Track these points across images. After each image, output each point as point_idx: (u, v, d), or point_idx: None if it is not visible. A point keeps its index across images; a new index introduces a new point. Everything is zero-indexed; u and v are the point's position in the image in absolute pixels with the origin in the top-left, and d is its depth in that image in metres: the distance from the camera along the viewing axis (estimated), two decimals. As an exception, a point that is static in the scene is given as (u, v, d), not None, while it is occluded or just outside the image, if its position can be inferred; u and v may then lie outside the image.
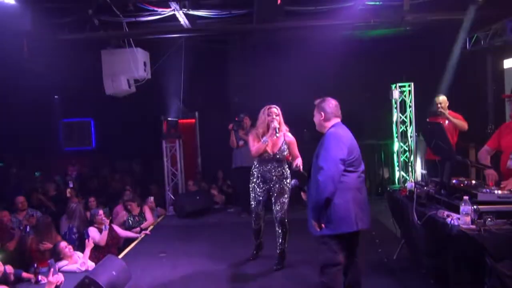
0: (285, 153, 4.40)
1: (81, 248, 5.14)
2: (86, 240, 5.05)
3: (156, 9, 6.28)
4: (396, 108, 7.71)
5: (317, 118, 3.32)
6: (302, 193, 3.52)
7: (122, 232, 5.92)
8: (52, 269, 3.96)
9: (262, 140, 4.32)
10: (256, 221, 4.69)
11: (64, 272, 4.42)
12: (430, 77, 7.64)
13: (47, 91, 9.58)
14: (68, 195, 7.52)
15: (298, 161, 4.14)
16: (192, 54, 8.07)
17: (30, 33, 6.02)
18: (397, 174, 7.94)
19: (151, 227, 6.65)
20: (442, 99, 5.72)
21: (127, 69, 7.00)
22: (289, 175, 4.49)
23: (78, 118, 11.44)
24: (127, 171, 10.21)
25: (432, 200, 3.70)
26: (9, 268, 4.32)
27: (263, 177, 4.47)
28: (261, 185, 4.51)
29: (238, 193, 7.53)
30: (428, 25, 6.83)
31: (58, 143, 11.44)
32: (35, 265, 4.55)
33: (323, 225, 3.07)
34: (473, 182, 3.64)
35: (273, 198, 4.49)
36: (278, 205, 4.45)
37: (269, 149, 4.36)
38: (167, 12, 6.24)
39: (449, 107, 5.74)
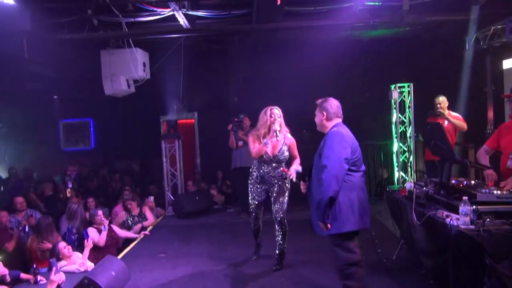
0: (286, 154, 4.39)
1: (80, 249, 5.13)
2: (85, 241, 5.04)
3: (155, 9, 6.28)
4: (395, 108, 7.71)
5: (319, 118, 3.32)
6: (301, 183, 3.49)
7: (121, 233, 5.91)
8: (54, 268, 3.97)
9: (263, 142, 4.30)
10: (255, 221, 4.69)
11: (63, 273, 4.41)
12: (429, 77, 7.66)
13: (46, 91, 9.56)
14: (68, 195, 7.52)
15: (292, 170, 4.12)
16: (191, 54, 8.07)
17: (29, 33, 6.01)
18: (396, 175, 7.93)
19: (151, 227, 6.65)
20: (441, 99, 5.72)
21: (126, 69, 7.00)
22: (288, 176, 4.48)
23: (77, 118, 11.43)
24: (127, 171, 10.21)
25: (431, 200, 3.70)
26: (3, 270, 4.26)
27: (262, 177, 4.46)
28: (260, 186, 4.50)
29: (237, 193, 7.53)
30: (427, 25, 6.84)
31: (58, 143, 11.43)
32: (34, 265, 4.55)
33: (329, 225, 3.04)
34: (472, 182, 3.64)
35: (272, 198, 4.49)
36: (277, 205, 4.44)
37: (269, 151, 4.35)
38: (166, 12, 6.24)
39: (449, 107, 5.75)
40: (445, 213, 3.19)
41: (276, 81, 8.35)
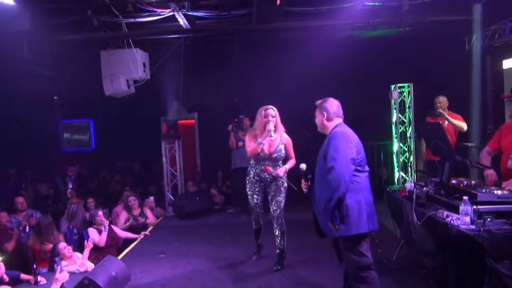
0: (282, 153, 4.44)
1: (80, 249, 5.13)
2: (85, 241, 5.04)
3: (155, 9, 6.27)
4: (395, 108, 7.70)
5: (319, 119, 3.27)
6: (303, 181, 3.39)
7: (122, 233, 5.91)
8: (59, 267, 3.99)
9: (257, 142, 4.37)
10: (256, 220, 4.71)
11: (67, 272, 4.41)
12: (429, 77, 7.65)
13: (46, 91, 9.56)
14: (68, 195, 7.52)
15: (279, 170, 4.33)
16: (191, 54, 8.07)
17: (29, 34, 6.02)
18: (396, 175, 7.93)
19: (151, 227, 6.65)
20: (441, 99, 5.72)
21: (126, 69, 7.00)
22: (284, 176, 4.51)
23: (77, 119, 11.44)
24: (127, 171, 10.21)
25: (432, 200, 3.69)
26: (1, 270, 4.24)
27: (259, 176, 4.52)
28: (257, 184, 4.55)
29: (237, 193, 7.52)
30: (427, 25, 6.83)
31: (58, 144, 11.43)
32: (35, 266, 4.55)
33: (337, 226, 2.98)
34: (473, 182, 3.64)
35: (269, 197, 4.53)
36: (274, 204, 4.48)
37: (265, 149, 4.41)
38: (166, 12, 6.24)
39: (449, 108, 5.74)
40: (446, 213, 3.19)
41: (276, 81, 8.34)
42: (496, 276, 2.70)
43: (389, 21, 6.50)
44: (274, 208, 4.47)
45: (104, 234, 5.40)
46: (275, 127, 4.34)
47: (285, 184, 4.52)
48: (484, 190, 3.20)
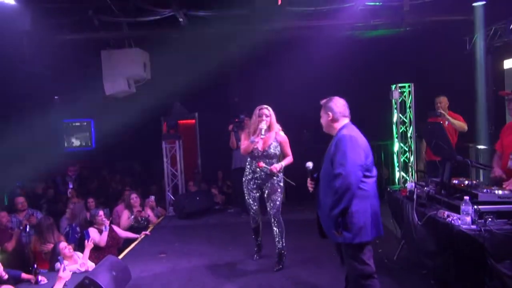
0: (276, 151, 4.49)
1: (81, 249, 5.13)
2: (86, 241, 5.04)
3: (156, 9, 6.27)
4: (396, 108, 7.70)
5: (325, 119, 3.13)
6: (308, 180, 3.29)
7: (122, 233, 5.92)
8: (62, 265, 3.99)
9: (249, 140, 4.45)
10: (253, 219, 4.73)
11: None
12: (430, 77, 7.65)
13: (46, 91, 9.55)
14: (69, 195, 7.52)
15: (274, 166, 4.36)
16: (191, 54, 8.05)
17: (30, 33, 6.02)
18: (397, 175, 7.93)
19: (151, 227, 6.65)
20: (442, 99, 5.71)
21: (127, 69, 7.00)
22: (280, 173, 4.54)
23: (78, 118, 11.42)
24: (127, 171, 10.20)
25: (433, 200, 3.69)
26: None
27: (254, 173, 4.56)
28: (252, 181, 4.59)
29: (238, 193, 7.51)
30: (428, 25, 6.83)
31: (58, 144, 11.42)
32: (35, 265, 4.55)
33: (341, 233, 2.91)
34: (474, 182, 3.64)
35: (265, 196, 4.55)
36: (271, 203, 4.50)
37: (259, 146, 4.47)
38: (167, 12, 6.24)
39: (449, 108, 5.74)
40: (446, 213, 3.19)
41: (277, 81, 8.33)
42: (497, 276, 2.70)
43: (389, 21, 6.51)
44: (271, 206, 4.50)
45: (105, 234, 5.40)
46: (269, 126, 4.41)
47: (282, 184, 4.55)
48: (485, 190, 3.20)
